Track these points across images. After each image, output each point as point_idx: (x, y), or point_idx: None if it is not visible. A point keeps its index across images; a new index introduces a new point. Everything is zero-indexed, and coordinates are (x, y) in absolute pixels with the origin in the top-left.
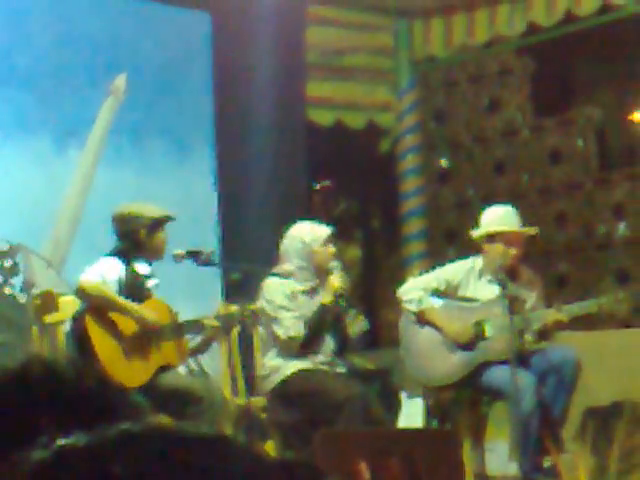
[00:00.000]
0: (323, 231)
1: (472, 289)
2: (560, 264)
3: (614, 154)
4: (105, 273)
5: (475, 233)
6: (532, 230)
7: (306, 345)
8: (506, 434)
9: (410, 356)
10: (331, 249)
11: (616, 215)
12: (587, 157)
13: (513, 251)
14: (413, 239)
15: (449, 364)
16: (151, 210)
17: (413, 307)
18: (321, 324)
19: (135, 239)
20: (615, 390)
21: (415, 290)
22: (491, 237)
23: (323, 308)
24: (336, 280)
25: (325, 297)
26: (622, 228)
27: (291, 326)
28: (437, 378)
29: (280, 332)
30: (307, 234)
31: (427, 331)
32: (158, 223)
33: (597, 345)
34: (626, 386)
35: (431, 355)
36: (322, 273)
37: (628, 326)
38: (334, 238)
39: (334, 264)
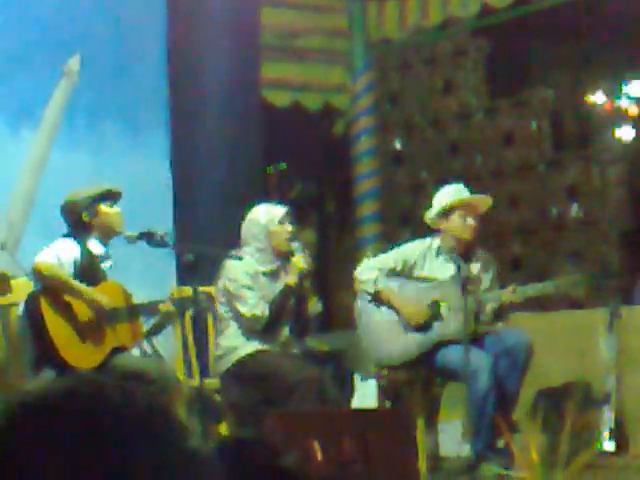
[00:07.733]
0: (278, 211)
1: (428, 268)
2: (514, 245)
3: (567, 136)
4: (61, 254)
5: (430, 213)
6: (486, 198)
7: (269, 326)
8: (459, 415)
9: (367, 336)
10: (288, 228)
11: (569, 197)
12: (540, 139)
13: (471, 222)
14: (367, 221)
15: (405, 344)
16: (86, 191)
17: (369, 287)
18: (285, 305)
19: (82, 224)
20: (566, 371)
21: (371, 270)
22: (447, 213)
23: (287, 289)
24: (300, 261)
25: (290, 278)
26: (575, 209)
27: (256, 304)
28: (393, 357)
29: (244, 310)
30: (263, 216)
31: (383, 311)
32: (96, 200)
33: (549, 326)
34: (577, 367)
35: (387, 335)
36: (281, 254)
37: (579, 307)
38: (290, 217)
39: (295, 245)
